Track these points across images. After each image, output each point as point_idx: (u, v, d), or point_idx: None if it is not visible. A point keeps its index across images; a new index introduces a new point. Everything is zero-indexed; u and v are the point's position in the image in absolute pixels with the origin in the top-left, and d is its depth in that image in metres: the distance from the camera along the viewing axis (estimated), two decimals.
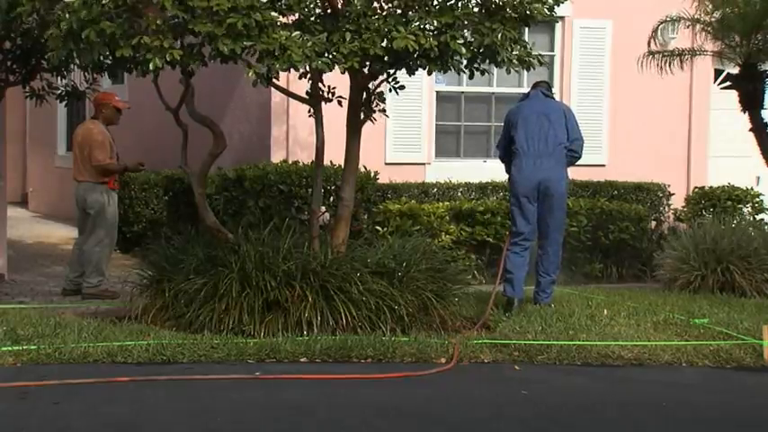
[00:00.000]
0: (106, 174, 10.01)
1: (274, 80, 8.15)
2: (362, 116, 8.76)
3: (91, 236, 10.00)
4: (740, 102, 11.67)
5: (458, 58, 8.10)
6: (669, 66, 11.79)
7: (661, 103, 13.69)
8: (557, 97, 13.51)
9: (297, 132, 12.45)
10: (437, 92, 13.11)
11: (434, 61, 8.00)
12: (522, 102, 9.63)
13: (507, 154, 9.46)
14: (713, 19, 11.47)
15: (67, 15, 7.28)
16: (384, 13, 8.00)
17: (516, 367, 7.53)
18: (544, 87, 9.68)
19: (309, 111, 8.80)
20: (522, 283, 9.18)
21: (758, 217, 12.71)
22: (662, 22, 11.83)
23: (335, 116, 8.95)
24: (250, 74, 7.43)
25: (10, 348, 7.28)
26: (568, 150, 9.27)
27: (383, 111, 8.90)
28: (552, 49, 13.58)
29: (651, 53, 11.90)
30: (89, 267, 9.96)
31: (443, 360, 7.50)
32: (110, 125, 10.25)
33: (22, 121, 18.87)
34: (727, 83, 13.16)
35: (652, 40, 11.87)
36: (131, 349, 7.37)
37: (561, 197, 9.31)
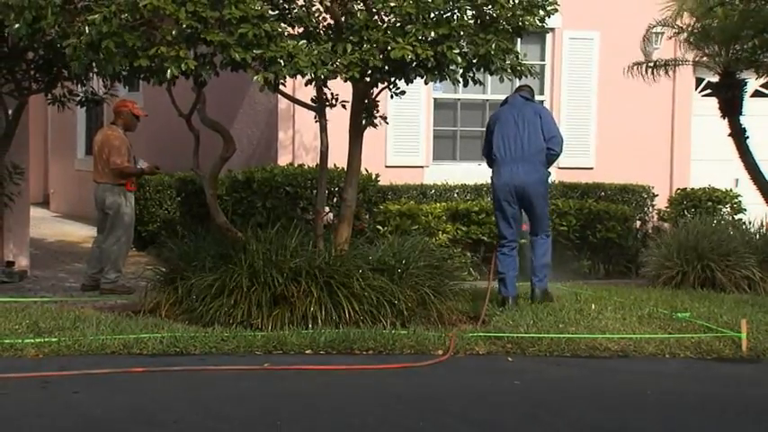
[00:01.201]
0: (124, 176, 10.01)
1: (281, 87, 8.16)
2: (364, 122, 8.76)
3: (109, 235, 10.00)
4: (720, 108, 11.68)
5: (453, 67, 8.10)
6: (653, 75, 11.80)
7: (646, 109, 13.68)
8: (547, 103, 13.56)
9: (302, 137, 12.44)
10: (435, 99, 13.10)
11: (431, 71, 8.00)
12: (502, 107, 9.42)
13: (490, 158, 9.32)
14: (695, 30, 11.47)
15: (87, 28, 7.29)
16: (384, 26, 8.00)
17: (509, 359, 7.53)
18: (525, 92, 9.40)
19: (314, 116, 8.80)
20: (513, 281, 9.09)
21: (737, 217, 12.69)
22: (649, 29, 11.80)
23: (339, 121, 8.95)
24: (258, 78, 7.42)
25: (32, 340, 7.29)
26: (547, 149, 9.04)
27: (383, 117, 8.89)
28: (543, 59, 13.57)
29: (637, 64, 11.91)
30: (107, 264, 9.96)
31: (440, 352, 7.50)
32: (128, 131, 10.25)
33: (44, 126, 18.86)
34: (708, 90, 13.18)
35: (639, 50, 11.87)
36: (146, 341, 7.37)
37: (540, 196, 9.11)
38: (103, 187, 10.01)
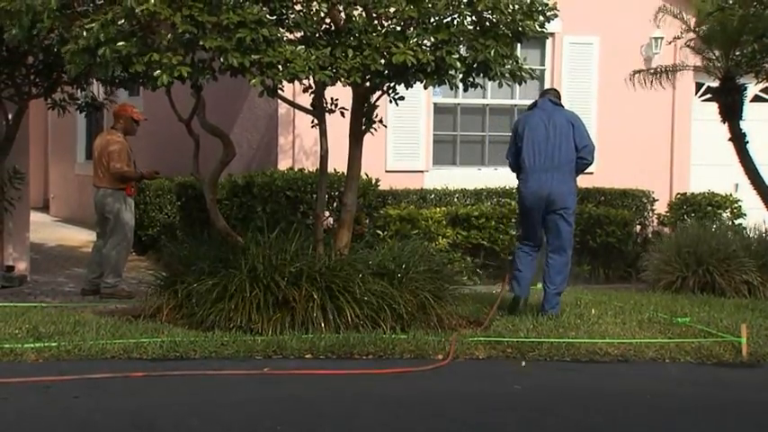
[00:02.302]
0: (124, 181, 10.02)
1: (280, 92, 8.16)
2: (363, 127, 8.76)
3: (109, 239, 10.01)
4: (720, 113, 11.68)
5: (453, 72, 8.09)
6: (655, 80, 11.81)
7: (646, 113, 13.69)
8: None
9: (302, 141, 12.45)
10: (434, 103, 13.11)
11: (431, 75, 7.99)
12: (529, 111, 9.04)
13: (517, 164, 8.89)
14: (695, 34, 11.48)
15: (84, 33, 7.30)
16: (384, 30, 8.01)
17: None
18: (552, 95, 9.03)
19: (313, 121, 8.81)
20: (528, 282, 8.85)
21: (737, 222, 12.70)
22: (653, 39, 11.79)
23: (339, 126, 8.95)
24: (255, 82, 7.41)
25: (32, 345, 7.28)
26: (578, 158, 8.70)
27: (380, 121, 8.89)
28: (543, 64, 13.59)
29: (637, 71, 11.93)
30: (107, 269, 9.96)
31: (440, 356, 7.49)
32: (128, 135, 10.26)
33: (45, 130, 18.87)
34: (708, 95, 13.20)
35: (639, 56, 11.88)
36: (146, 346, 7.37)
37: (568, 211, 8.70)
38: (103, 192, 10.02)
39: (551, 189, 8.62)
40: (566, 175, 8.68)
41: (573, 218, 8.85)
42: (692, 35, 11.56)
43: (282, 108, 11.97)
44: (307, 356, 7.41)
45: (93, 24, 7.21)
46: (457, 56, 7.93)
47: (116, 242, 9.97)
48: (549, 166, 8.63)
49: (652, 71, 11.89)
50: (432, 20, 8.00)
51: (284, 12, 8.02)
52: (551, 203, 8.64)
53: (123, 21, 7.22)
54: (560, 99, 9.13)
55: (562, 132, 8.67)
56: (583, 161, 8.77)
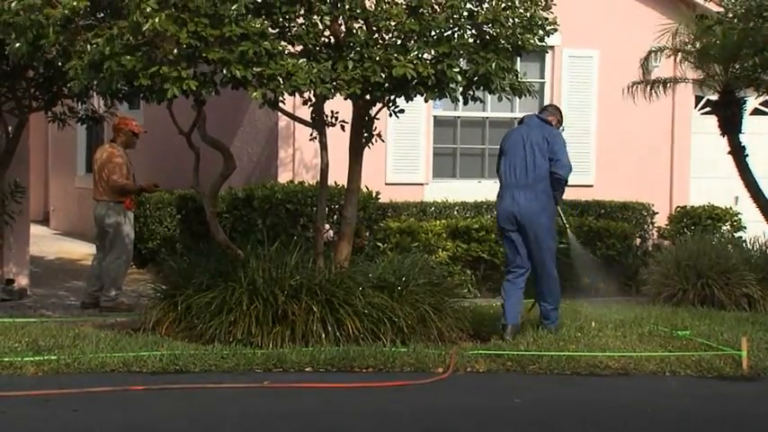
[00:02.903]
0: (123, 194, 10.02)
1: (281, 105, 8.18)
2: (364, 140, 8.77)
3: (109, 253, 10.01)
4: (720, 126, 11.70)
5: (453, 85, 8.11)
6: (653, 93, 11.83)
7: (645, 126, 13.70)
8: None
9: (302, 154, 12.46)
10: (435, 116, 13.12)
11: (431, 89, 8.01)
12: (518, 126, 9.01)
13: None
14: (694, 48, 11.51)
15: (89, 48, 7.32)
16: (384, 43, 8.03)
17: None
18: (545, 113, 8.91)
19: (313, 134, 8.82)
20: (514, 309, 8.57)
21: (737, 235, 12.70)
22: (652, 52, 11.84)
23: (339, 139, 8.96)
24: (256, 94, 7.42)
25: (32, 359, 7.27)
26: (551, 173, 8.49)
27: (379, 135, 8.89)
28: (543, 77, 13.61)
29: (637, 83, 11.95)
30: (107, 282, 9.96)
31: (441, 369, 7.48)
32: (128, 148, 10.27)
33: (45, 143, 18.87)
34: (708, 108, 13.21)
35: (638, 69, 11.91)
36: (146, 359, 7.36)
37: (542, 227, 8.51)
38: (103, 205, 10.03)
39: (520, 206, 8.47)
40: (538, 192, 8.49)
41: (550, 235, 8.62)
42: (691, 48, 11.58)
43: (282, 121, 11.99)
44: (307, 369, 7.40)
45: (99, 39, 7.24)
46: (457, 69, 7.96)
47: (116, 255, 9.98)
48: (523, 184, 8.49)
49: (650, 82, 11.91)
50: (432, 33, 8.02)
51: (287, 25, 8.05)
52: (522, 221, 8.47)
53: (128, 35, 7.23)
54: (559, 116, 8.98)
55: (537, 149, 8.48)
56: (555, 176, 8.50)
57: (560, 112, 9.10)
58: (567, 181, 8.66)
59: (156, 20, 7.03)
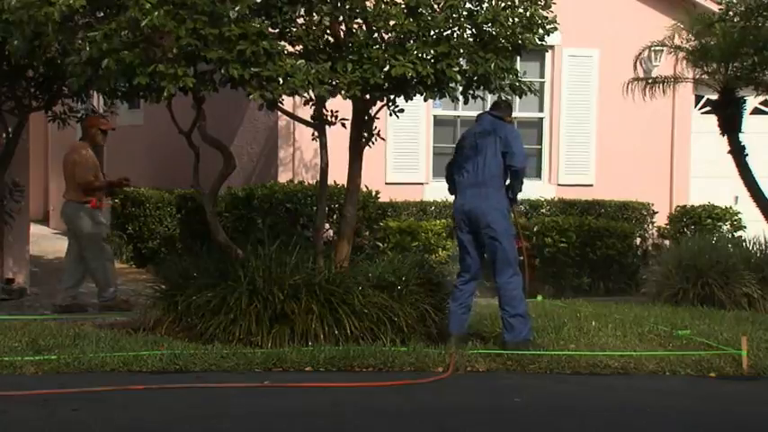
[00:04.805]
0: (89, 192, 9.91)
1: (281, 105, 8.18)
2: (363, 140, 8.77)
3: (86, 254, 9.88)
4: (720, 126, 11.70)
5: (453, 85, 8.11)
6: (652, 91, 11.84)
7: (645, 126, 13.72)
8: (546, 120, 13.61)
9: (302, 154, 12.47)
10: (434, 116, 13.13)
11: (431, 88, 8.01)
12: (470, 127, 8.65)
13: (451, 182, 8.56)
14: (694, 47, 11.51)
15: (88, 45, 7.31)
16: (384, 43, 8.03)
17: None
18: (497, 109, 8.42)
19: (313, 134, 8.82)
20: (457, 317, 8.20)
21: (736, 234, 12.71)
22: (646, 48, 11.84)
23: (339, 139, 8.97)
24: (254, 96, 7.42)
25: (32, 358, 7.28)
26: (507, 167, 8.12)
27: (378, 134, 8.90)
28: (543, 76, 13.62)
29: (636, 79, 11.96)
30: (99, 283, 9.91)
31: (441, 369, 7.48)
32: (96, 146, 10.19)
33: (45, 143, 18.89)
34: (708, 108, 13.22)
35: (637, 67, 11.91)
36: (146, 359, 7.36)
37: (496, 228, 8.06)
38: (68, 205, 9.95)
39: (472, 205, 8.14)
40: (489, 190, 8.11)
41: (506, 235, 8.12)
42: (690, 46, 11.59)
43: (282, 121, 12.00)
44: (306, 369, 7.40)
45: (96, 34, 7.23)
46: (457, 69, 7.95)
47: (93, 256, 9.85)
48: (474, 182, 8.17)
49: (650, 80, 11.91)
50: (432, 33, 8.02)
51: (287, 25, 8.05)
52: (474, 219, 8.13)
53: (126, 31, 7.23)
54: (508, 111, 8.54)
55: (488, 146, 8.15)
56: (511, 169, 8.12)
57: (510, 107, 8.71)
58: (524, 172, 8.29)
59: (155, 15, 7.03)
